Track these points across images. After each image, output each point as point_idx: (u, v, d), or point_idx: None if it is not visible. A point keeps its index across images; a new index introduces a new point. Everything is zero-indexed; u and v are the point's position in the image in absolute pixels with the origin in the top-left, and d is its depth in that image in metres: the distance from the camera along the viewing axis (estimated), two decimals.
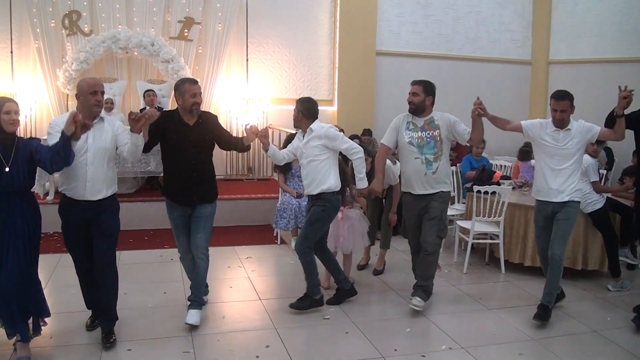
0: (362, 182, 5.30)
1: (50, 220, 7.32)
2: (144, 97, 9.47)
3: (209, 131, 4.96)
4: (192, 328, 4.82)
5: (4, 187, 3.98)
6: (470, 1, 12.05)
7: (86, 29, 9.78)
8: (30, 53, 9.97)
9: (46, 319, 4.44)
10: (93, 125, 4.28)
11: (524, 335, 4.91)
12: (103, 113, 8.57)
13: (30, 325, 4.29)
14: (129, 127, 4.43)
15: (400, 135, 5.40)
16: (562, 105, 5.09)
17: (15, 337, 4.18)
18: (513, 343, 4.75)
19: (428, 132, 5.28)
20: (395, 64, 11.53)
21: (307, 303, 5.36)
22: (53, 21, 9.73)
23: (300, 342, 4.74)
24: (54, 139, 4.13)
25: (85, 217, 4.40)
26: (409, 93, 5.33)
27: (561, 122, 5.12)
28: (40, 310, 4.35)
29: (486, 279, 6.28)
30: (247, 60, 10.77)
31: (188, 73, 9.81)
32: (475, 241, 6.73)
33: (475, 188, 6.68)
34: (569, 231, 5.29)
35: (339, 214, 5.65)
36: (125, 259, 6.83)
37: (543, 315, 5.11)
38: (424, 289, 5.37)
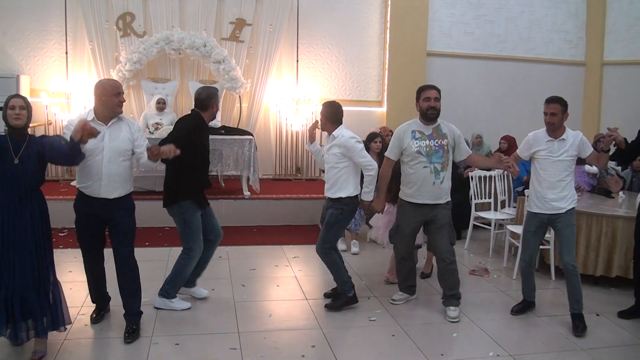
0: (367, 195, 5.34)
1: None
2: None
3: None
4: (239, 326, 4.91)
5: (14, 181, 4.07)
6: (523, 1, 11.80)
7: (139, 30, 9.96)
8: (85, 54, 10.19)
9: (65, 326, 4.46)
10: (98, 133, 4.26)
11: (573, 344, 4.81)
12: (154, 112, 8.86)
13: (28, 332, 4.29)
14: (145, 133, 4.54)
15: (406, 145, 5.29)
16: (552, 108, 5.09)
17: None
18: (562, 352, 4.67)
19: (436, 140, 5.25)
20: (447, 65, 11.38)
21: (341, 302, 5.41)
22: (107, 23, 9.93)
23: (346, 343, 4.74)
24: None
25: (100, 214, 4.57)
26: (431, 98, 5.25)
27: (551, 126, 5.07)
28: (45, 315, 4.29)
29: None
30: (297, 61, 10.80)
31: (239, 74, 9.91)
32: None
33: (527, 192, 6.57)
34: (574, 237, 5.22)
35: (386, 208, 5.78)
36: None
37: (580, 325, 5.05)
38: (454, 297, 5.34)
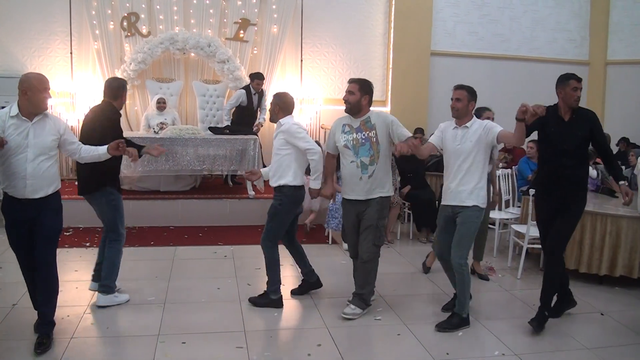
0: (314, 183, 5.32)
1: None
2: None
3: None
4: (246, 325, 4.92)
5: None
6: (527, 0, 11.85)
7: (144, 30, 10.00)
8: (90, 53, 10.25)
9: None
10: (6, 143, 4.16)
11: (579, 344, 4.80)
12: (155, 111, 8.89)
13: None
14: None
15: (337, 139, 5.23)
16: (457, 94, 4.97)
17: None
18: (568, 351, 4.66)
19: (364, 132, 5.09)
20: (450, 64, 11.43)
21: (264, 301, 5.43)
22: (112, 23, 9.99)
23: (352, 342, 4.75)
24: None
25: (26, 216, 4.36)
26: (346, 91, 5.15)
27: (455, 112, 4.95)
28: None
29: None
30: (302, 60, 10.85)
31: (243, 73, 9.95)
32: (530, 246, 6.56)
33: (532, 191, 6.57)
34: (469, 236, 5.02)
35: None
36: (180, 254, 7.02)
37: (446, 322, 5.06)
38: (360, 297, 5.26)
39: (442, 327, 5.00)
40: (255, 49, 10.47)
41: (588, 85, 12.20)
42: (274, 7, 10.32)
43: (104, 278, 5.34)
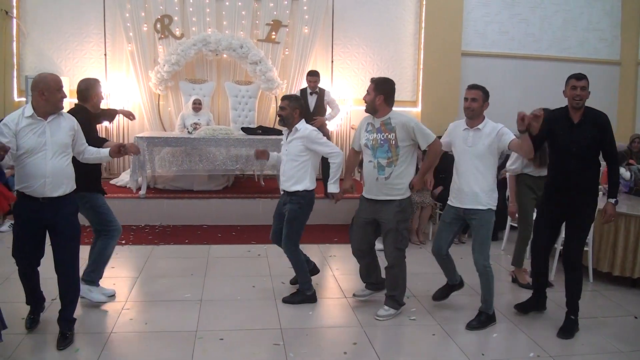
0: (333, 187, 5.47)
1: (142, 213, 7.70)
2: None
3: None
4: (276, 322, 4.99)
5: None
6: None
7: (177, 32, 10.14)
8: (124, 55, 10.43)
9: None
10: (9, 149, 4.12)
11: (613, 347, 4.77)
12: (191, 113, 9.00)
13: None
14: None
15: (360, 137, 5.26)
16: (473, 94, 4.94)
17: None
18: (602, 354, 4.64)
19: (383, 134, 5.01)
20: (481, 64, 11.38)
21: (299, 298, 5.52)
22: (145, 25, 10.15)
23: (387, 341, 4.78)
24: (2, 138, 4.15)
25: (44, 215, 4.37)
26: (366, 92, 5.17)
27: (470, 112, 4.93)
28: None
29: None
30: (332, 61, 10.90)
31: (275, 74, 10.05)
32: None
33: None
34: (488, 238, 5.06)
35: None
36: (214, 252, 7.12)
37: (476, 321, 5.11)
38: (393, 298, 5.26)
39: (471, 326, 5.04)
40: (287, 50, 10.55)
41: (619, 86, 12.10)
42: (305, 8, 10.39)
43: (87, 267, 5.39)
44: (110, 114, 6.04)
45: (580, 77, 4.97)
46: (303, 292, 5.54)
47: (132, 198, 8.50)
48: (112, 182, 9.50)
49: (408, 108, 11.07)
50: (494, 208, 5.02)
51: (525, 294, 5.69)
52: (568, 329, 4.98)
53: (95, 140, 5.02)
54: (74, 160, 4.64)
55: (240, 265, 6.66)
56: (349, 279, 6.23)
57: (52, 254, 4.48)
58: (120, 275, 6.24)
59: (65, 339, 4.50)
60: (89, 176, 5.01)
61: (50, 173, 4.30)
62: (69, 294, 4.58)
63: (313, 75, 8.84)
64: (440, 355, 4.57)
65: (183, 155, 8.61)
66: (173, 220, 8.39)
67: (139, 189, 8.61)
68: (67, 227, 4.47)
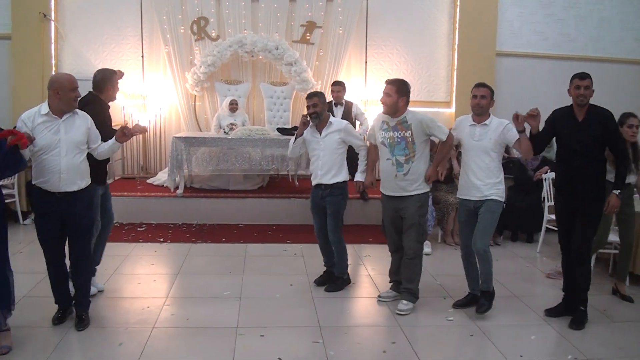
0: (361, 175, 5.73)
1: (180, 212, 7.74)
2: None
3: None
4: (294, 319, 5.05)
5: None
6: None
7: (213, 34, 10.25)
8: (160, 57, 10.57)
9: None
10: (34, 139, 4.30)
11: None
12: (227, 113, 9.08)
13: None
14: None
15: (375, 135, 5.42)
16: (482, 92, 5.14)
17: None
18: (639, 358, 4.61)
19: (399, 132, 5.20)
20: (516, 65, 11.27)
21: (339, 284, 5.86)
22: (182, 27, 10.27)
23: (425, 341, 4.79)
24: None
25: (60, 209, 4.54)
26: (383, 93, 5.24)
27: (479, 109, 5.11)
28: (5, 304, 4.39)
29: (611, 291, 6.10)
30: (366, 62, 10.90)
31: (310, 75, 10.11)
32: (601, 251, 6.43)
33: None
34: (491, 224, 5.20)
35: None
36: (250, 251, 7.21)
37: (486, 303, 5.27)
38: (409, 292, 5.36)
39: (480, 309, 5.20)
40: (321, 51, 10.59)
41: None
42: (339, 9, 10.41)
43: None
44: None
45: (583, 76, 5.06)
46: (341, 277, 5.87)
47: (169, 197, 8.63)
48: (149, 181, 9.65)
49: (442, 109, 11.07)
50: (502, 200, 5.18)
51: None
52: (578, 320, 5.09)
53: (110, 132, 5.09)
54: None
55: (277, 263, 6.74)
56: (384, 279, 6.22)
57: (68, 243, 4.74)
58: (159, 272, 6.36)
59: (82, 321, 4.75)
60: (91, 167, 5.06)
61: (65, 169, 4.48)
62: (81, 281, 4.83)
63: (337, 85, 8.68)
64: (478, 356, 4.60)
65: (219, 155, 8.71)
66: (209, 219, 8.51)
67: (176, 188, 8.73)
68: (82, 218, 4.68)
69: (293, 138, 5.90)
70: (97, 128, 4.87)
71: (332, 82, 8.88)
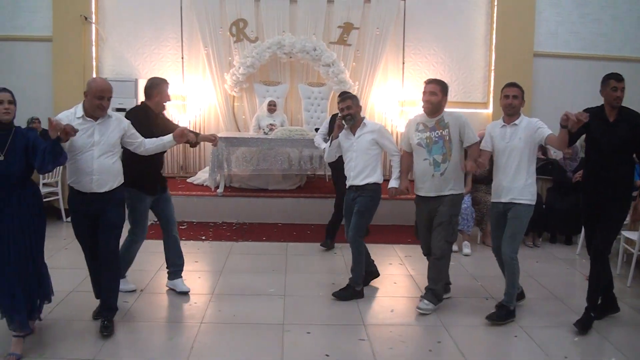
0: (396, 182, 5.62)
1: (220, 211, 8.08)
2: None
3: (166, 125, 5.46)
4: (331, 317, 5.15)
5: (1, 174, 4.12)
6: None
7: (252, 35, 10.38)
8: (200, 58, 10.74)
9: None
10: (76, 131, 4.27)
11: None
12: (266, 114, 9.18)
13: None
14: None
15: (410, 137, 5.41)
16: (513, 91, 5.10)
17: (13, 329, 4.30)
18: None
19: (437, 131, 5.23)
20: (553, 65, 11.18)
21: (349, 293, 5.65)
22: (221, 29, 10.43)
23: (470, 341, 4.81)
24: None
25: (92, 208, 4.61)
26: (425, 92, 5.26)
27: (511, 109, 5.08)
28: (44, 295, 4.52)
29: None
30: (403, 63, 10.94)
31: (347, 76, 10.19)
32: None
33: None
34: (521, 231, 5.19)
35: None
36: (291, 250, 7.33)
37: (498, 314, 5.19)
38: (433, 292, 5.36)
39: (491, 318, 5.13)
40: (358, 52, 10.65)
41: None
42: (376, 10, 10.46)
43: None
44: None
45: (620, 78, 4.97)
46: (353, 288, 5.68)
47: (210, 196, 8.81)
48: (189, 180, 9.84)
49: (479, 110, 11.04)
50: (532, 203, 5.13)
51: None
52: (583, 323, 5.02)
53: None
54: (128, 154, 5.00)
55: (318, 262, 6.84)
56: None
57: (99, 243, 4.73)
58: (203, 269, 6.52)
59: (107, 328, 4.68)
60: (137, 172, 5.19)
61: (97, 171, 4.53)
62: (108, 282, 4.78)
63: (344, 100, 6.05)
64: (524, 357, 4.61)
65: (259, 155, 8.84)
66: (249, 218, 8.64)
67: (217, 187, 8.89)
68: (112, 216, 4.70)
69: (329, 142, 5.97)
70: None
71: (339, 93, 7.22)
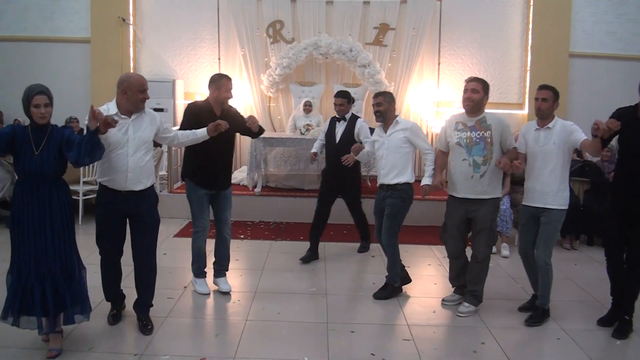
0: (427, 179, 5.48)
1: (257, 210, 8.25)
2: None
3: (233, 121, 5.43)
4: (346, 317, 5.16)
5: (34, 172, 4.06)
6: None
7: (288, 36, 10.50)
8: (236, 59, 10.92)
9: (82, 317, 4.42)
10: (116, 123, 4.24)
11: None
12: (302, 114, 9.23)
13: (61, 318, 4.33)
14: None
15: (448, 136, 5.30)
16: (543, 94, 5.01)
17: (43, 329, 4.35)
18: None
19: (478, 132, 5.11)
20: (589, 66, 11.13)
21: (388, 291, 5.71)
22: (258, 30, 10.57)
23: (514, 343, 4.81)
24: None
25: (125, 207, 4.56)
26: (467, 90, 5.19)
27: (540, 112, 5.02)
28: (75, 304, 4.34)
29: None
30: (439, 64, 10.97)
31: (383, 77, 10.24)
32: None
33: None
34: (554, 236, 5.15)
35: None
36: (329, 249, 7.38)
37: (535, 317, 5.18)
38: (473, 294, 5.34)
39: (529, 322, 5.13)
40: (394, 52, 10.70)
41: None
42: (413, 11, 10.51)
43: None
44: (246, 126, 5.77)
45: None
46: (391, 285, 5.74)
47: (247, 195, 8.92)
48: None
49: (514, 110, 11.02)
50: (565, 208, 5.08)
51: None
52: (622, 329, 4.97)
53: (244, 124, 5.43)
54: (187, 149, 5.21)
55: (356, 262, 6.90)
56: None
57: (131, 243, 4.76)
58: (245, 267, 6.63)
59: (146, 326, 4.75)
60: (192, 164, 5.53)
61: (132, 168, 4.49)
62: (144, 281, 4.80)
63: (339, 97, 7.00)
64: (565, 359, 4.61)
65: (295, 155, 8.92)
66: (285, 217, 8.73)
67: (254, 186, 8.98)
68: (148, 217, 4.70)
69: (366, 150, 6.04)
70: (187, 127, 5.21)
71: (335, 92, 7.24)
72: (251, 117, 5.54)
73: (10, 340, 4.43)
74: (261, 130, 5.86)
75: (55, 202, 4.17)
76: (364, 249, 7.34)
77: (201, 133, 5.04)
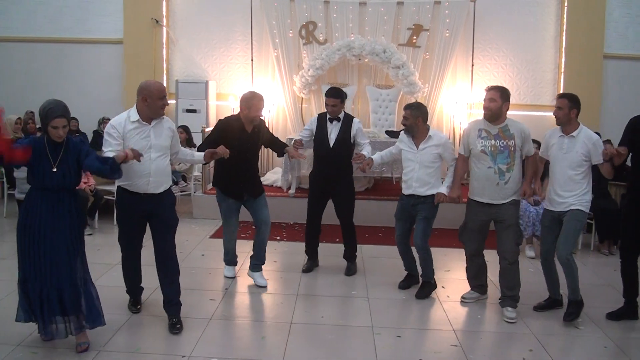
0: (446, 189, 5.66)
1: (292, 211, 8.44)
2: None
3: (262, 137, 5.91)
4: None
5: (55, 188, 4.15)
6: None
7: (321, 37, 10.51)
8: (269, 60, 10.94)
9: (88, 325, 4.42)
10: (141, 156, 4.44)
11: None
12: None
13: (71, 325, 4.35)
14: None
15: (472, 143, 5.38)
16: (559, 103, 5.16)
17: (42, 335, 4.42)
18: None
19: (502, 140, 5.23)
20: (623, 67, 11.02)
21: (428, 289, 5.87)
22: (291, 32, 10.59)
23: (560, 349, 4.79)
24: (108, 146, 4.49)
25: (146, 208, 4.73)
26: (485, 99, 5.26)
27: (557, 120, 5.17)
28: (81, 311, 4.34)
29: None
30: (472, 65, 10.91)
31: (416, 78, 10.20)
32: None
33: None
34: (576, 233, 5.24)
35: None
36: (366, 252, 7.39)
37: (573, 312, 5.24)
38: (512, 298, 5.36)
39: (568, 318, 5.20)
40: (427, 54, 10.66)
41: None
42: (446, 12, 10.47)
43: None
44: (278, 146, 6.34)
45: None
46: (428, 282, 5.89)
47: (282, 197, 8.96)
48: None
49: (548, 112, 10.81)
50: (586, 210, 5.18)
51: None
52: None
53: (231, 148, 5.36)
54: (220, 162, 5.48)
55: (395, 265, 6.81)
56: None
57: (153, 243, 4.88)
58: (284, 269, 6.67)
59: (174, 327, 4.82)
60: (220, 174, 5.96)
61: (154, 173, 4.67)
62: (167, 277, 4.89)
63: (330, 97, 6.31)
64: None
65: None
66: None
67: (288, 188, 9.02)
68: (167, 217, 4.85)
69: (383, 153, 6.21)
70: (211, 139, 5.54)
71: (326, 90, 6.59)
72: (290, 150, 6.13)
73: (10, 340, 4.53)
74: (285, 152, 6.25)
75: (73, 212, 4.28)
76: (350, 271, 6.56)
77: (198, 157, 5.29)
